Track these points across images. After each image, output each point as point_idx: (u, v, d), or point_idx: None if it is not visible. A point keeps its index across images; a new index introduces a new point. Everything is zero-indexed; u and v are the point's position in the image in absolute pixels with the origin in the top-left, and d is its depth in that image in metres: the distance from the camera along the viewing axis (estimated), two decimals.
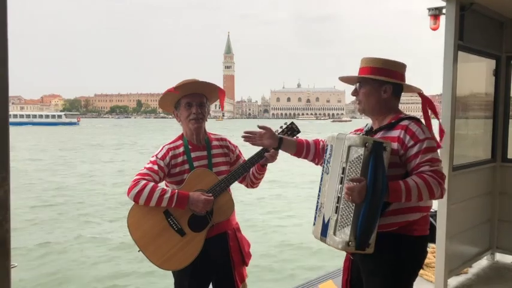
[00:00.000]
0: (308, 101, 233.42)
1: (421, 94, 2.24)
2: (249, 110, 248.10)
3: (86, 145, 38.94)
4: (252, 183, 2.64)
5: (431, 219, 5.20)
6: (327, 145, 2.18)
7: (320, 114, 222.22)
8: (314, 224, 2.15)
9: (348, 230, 1.92)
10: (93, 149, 35.11)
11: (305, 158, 2.43)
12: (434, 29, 3.66)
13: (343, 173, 1.97)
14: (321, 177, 2.18)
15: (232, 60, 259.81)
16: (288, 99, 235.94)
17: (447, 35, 3.55)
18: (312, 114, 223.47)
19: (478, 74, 4.31)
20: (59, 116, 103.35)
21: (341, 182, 1.98)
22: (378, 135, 2.14)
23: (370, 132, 2.22)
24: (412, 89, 2.24)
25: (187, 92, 2.46)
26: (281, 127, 2.54)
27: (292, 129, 2.53)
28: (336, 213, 1.98)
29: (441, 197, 2.01)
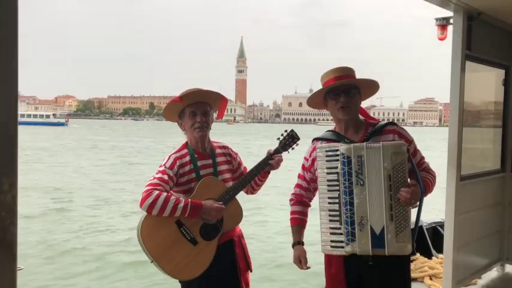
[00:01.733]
0: None
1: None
2: (261, 114, 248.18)
3: None
4: (253, 190, 2.67)
5: (439, 228, 5.20)
6: (347, 157, 2.12)
7: (332, 119, 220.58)
8: (351, 240, 2.11)
9: (408, 233, 2.07)
10: None
11: None
12: (441, 39, 3.66)
13: (390, 180, 2.06)
14: (347, 191, 2.12)
15: (244, 64, 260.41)
16: (300, 104, 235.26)
17: (455, 45, 3.54)
18: (326, 119, 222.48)
19: (487, 83, 4.28)
20: (47, 116, 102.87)
21: (390, 189, 2.06)
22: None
23: (351, 141, 2.20)
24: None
25: (191, 101, 2.49)
26: (282, 134, 2.58)
27: (292, 137, 2.57)
28: (391, 220, 2.06)
29: None
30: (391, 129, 2.22)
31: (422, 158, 2.28)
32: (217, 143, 2.66)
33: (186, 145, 2.57)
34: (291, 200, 2.43)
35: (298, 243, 2.35)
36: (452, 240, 3.56)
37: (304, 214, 2.41)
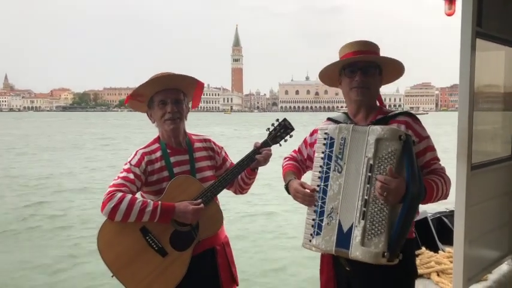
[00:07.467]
0: (317, 93, 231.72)
1: None
2: (258, 103, 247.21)
3: None
4: (241, 189, 2.35)
5: (444, 218, 4.92)
6: (330, 138, 1.86)
7: (329, 107, 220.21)
8: (317, 233, 1.82)
9: (382, 238, 1.68)
10: None
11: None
12: (449, 15, 3.34)
13: (370, 171, 1.70)
14: (323, 177, 1.85)
15: (240, 53, 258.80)
16: (297, 92, 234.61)
17: (464, 20, 3.21)
18: (320, 107, 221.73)
19: (497, 63, 3.96)
20: None
21: (368, 182, 1.71)
22: None
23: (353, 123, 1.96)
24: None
25: (160, 87, 2.13)
26: (272, 124, 2.25)
27: (285, 127, 2.24)
28: (363, 219, 1.71)
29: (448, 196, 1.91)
30: (401, 120, 1.91)
31: (435, 159, 1.91)
32: (197, 136, 2.32)
33: (157, 139, 2.22)
34: (284, 159, 2.24)
35: (290, 180, 2.03)
36: (463, 235, 3.28)
37: (298, 168, 2.16)
